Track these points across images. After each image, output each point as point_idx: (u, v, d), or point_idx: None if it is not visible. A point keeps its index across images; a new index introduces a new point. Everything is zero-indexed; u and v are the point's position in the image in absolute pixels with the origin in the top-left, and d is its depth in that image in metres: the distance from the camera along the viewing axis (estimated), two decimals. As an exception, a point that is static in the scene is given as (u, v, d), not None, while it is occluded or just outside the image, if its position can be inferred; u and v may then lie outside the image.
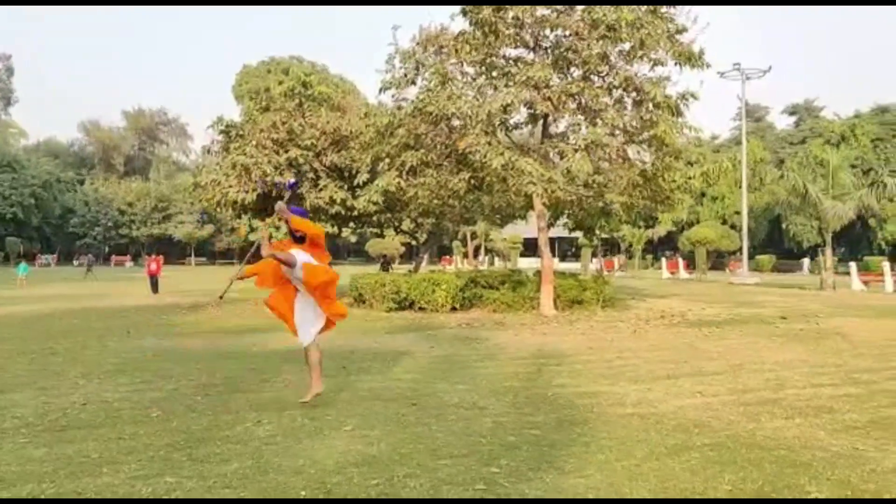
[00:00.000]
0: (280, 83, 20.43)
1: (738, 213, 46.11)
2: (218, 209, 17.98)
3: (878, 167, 42.44)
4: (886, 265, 26.15)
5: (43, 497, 3.89)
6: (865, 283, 26.29)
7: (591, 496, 3.85)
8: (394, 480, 4.11)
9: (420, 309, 15.69)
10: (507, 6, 14.09)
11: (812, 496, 3.86)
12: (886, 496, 3.86)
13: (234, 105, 67.92)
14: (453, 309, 15.63)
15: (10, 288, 27.16)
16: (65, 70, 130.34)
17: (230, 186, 16.27)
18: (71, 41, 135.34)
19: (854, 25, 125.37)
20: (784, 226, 51.11)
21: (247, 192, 16.10)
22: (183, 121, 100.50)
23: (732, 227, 50.39)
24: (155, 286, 23.94)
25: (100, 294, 23.76)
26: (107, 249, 77.14)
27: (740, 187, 38.20)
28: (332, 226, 24.63)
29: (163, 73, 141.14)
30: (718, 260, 50.40)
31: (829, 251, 27.04)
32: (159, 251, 56.61)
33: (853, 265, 28.67)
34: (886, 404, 6.18)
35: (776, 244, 54.36)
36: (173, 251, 77.43)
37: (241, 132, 17.17)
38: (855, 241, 50.56)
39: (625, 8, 13.47)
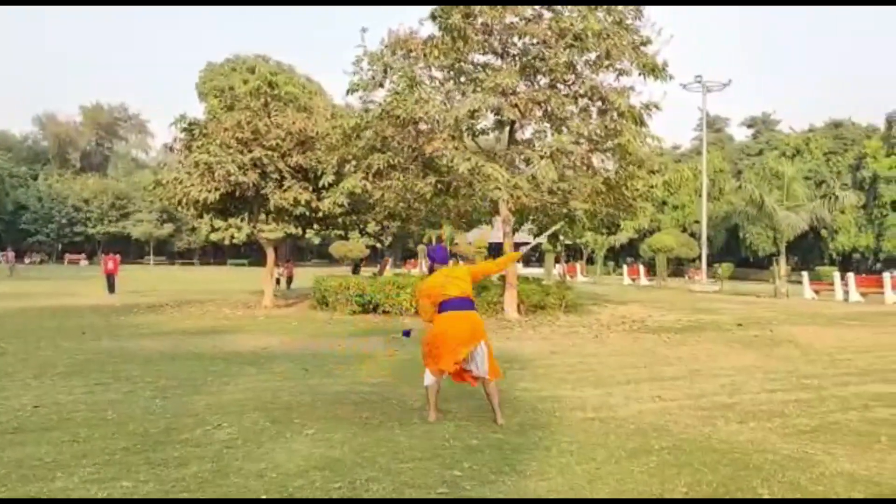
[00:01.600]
0: (245, 82, 20.18)
1: (697, 221, 47.16)
2: (179, 208, 17.64)
3: (831, 180, 43.92)
4: (837, 275, 27.02)
5: (-7, 501, 3.78)
6: (817, 291, 27.10)
7: (552, 499, 3.90)
8: (356, 484, 4.10)
9: (384, 312, 15.66)
10: (476, 13, 14.18)
11: (763, 498, 3.97)
12: (834, 497, 3.99)
13: (198, 102, 66.82)
14: (417, 312, 15.61)
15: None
16: (20, 62, 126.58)
17: (192, 185, 15.98)
18: (26, 32, 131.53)
19: (810, 44, 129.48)
20: (741, 235, 52.40)
21: (209, 191, 15.84)
22: (143, 117, 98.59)
23: (692, 235, 51.52)
24: (112, 286, 23.40)
25: (53, 293, 23.11)
26: (60, 247, 75.04)
27: (700, 196, 39.09)
28: (296, 227, 24.42)
29: (123, 67, 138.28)
30: (678, 267, 51.39)
31: (783, 260, 27.82)
32: (116, 250, 55.28)
33: (805, 274, 29.55)
34: (835, 409, 6.40)
35: (733, 252, 55.69)
36: (131, 250, 75.80)
37: (204, 130, 16.88)
38: (807, 251, 52.11)
39: (591, 17, 13.68)
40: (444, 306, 5.68)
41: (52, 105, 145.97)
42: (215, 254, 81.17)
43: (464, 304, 5.72)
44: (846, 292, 24.68)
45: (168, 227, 75.36)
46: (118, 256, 26.64)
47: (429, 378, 5.74)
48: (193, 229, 74.77)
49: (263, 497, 3.86)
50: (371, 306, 15.86)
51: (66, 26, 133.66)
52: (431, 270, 6.04)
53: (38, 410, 5.88)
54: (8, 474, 4.18)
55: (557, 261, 43.23)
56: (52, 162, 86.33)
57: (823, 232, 45.19)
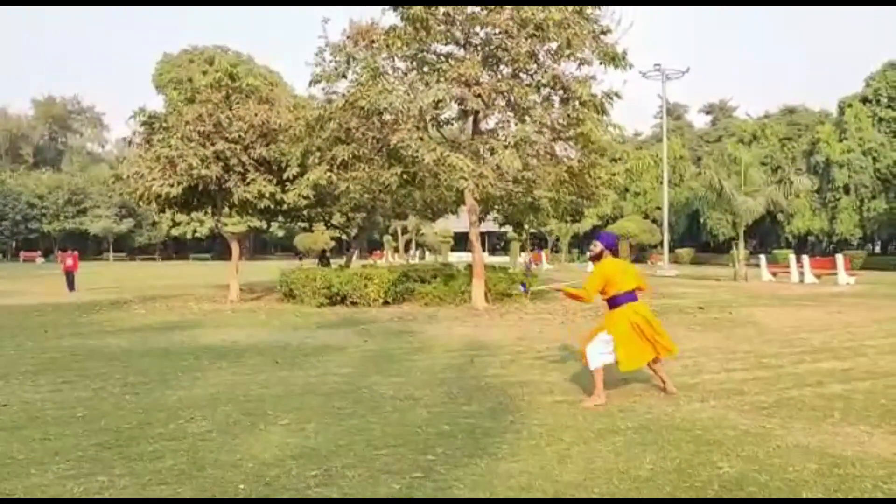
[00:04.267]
0: (204, 73, 19.87)
1: (659, 208, 48.00)
2: (141, 203, 17.35)
3: (786, 165, 45.02)
4: (792, 258, 27.82)
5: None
6: (774, 274, 27.90)
7: (523, 479, 4.04)
8: (332, 471, 4.18)
9: (352, 304, 15.68)
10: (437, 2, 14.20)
11: (724, 472, 4.16)
12: (790, 469, 4.21)
13: (155, 94, 65.43)
14: (385, 303, 15.69)
15: None
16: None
17: (154, 179, 15.73)
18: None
19: (765, 30, 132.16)
20: (702, 220, 53.51)
21: (172, 185, 15.61)
22: (98, 110, 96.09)
23: (654, 221, 52.50)
24: (71, 283, 22.92)
25: (10, 292, 22.53)
26: (15, 245, 72.91)
27: (661, 183, 39.79)
28: (261, 220, 24.16)
29: (76, 59, 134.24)
30: (641, 253, 52.34)
31: (741, 244, 28.54)
32: (74, 246, 53.99)
33: (763, 258, 30.38)
34: (791, 386, 6.68)
35: (694, 237, 56.89)
36: (89, 246, 74.10)
37: (165, 124, 16.60)
38: (765, 235, 53.49)
39: (552, 8, 13.82)
40: (620, 300, 6.06)
41: (2, 99, 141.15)
42: (177, 249, 79.81)
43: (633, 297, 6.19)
44: (801, 274, 25.48)
45: (127, 223, 73.88)
46: (76, 253, 26.06)
47: (598, 361, 5.98)
48: (154, 224, 73.42)
49: (241, 487, 3.91)
50: (339, 298, 15.86)
51: (14, 17, 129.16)
52: (599, 257, 6.15)
53: (6, 409, 5.81)
54: (-20, 473, 4.15)
55: (523, 249, 43.64)
56: (3, 157, 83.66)
57: (780, 216, 46.39)
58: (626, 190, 55.46)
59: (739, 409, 5.76)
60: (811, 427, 5.17)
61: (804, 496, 3.79)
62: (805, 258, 26.72)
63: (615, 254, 6.25)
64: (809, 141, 50.50)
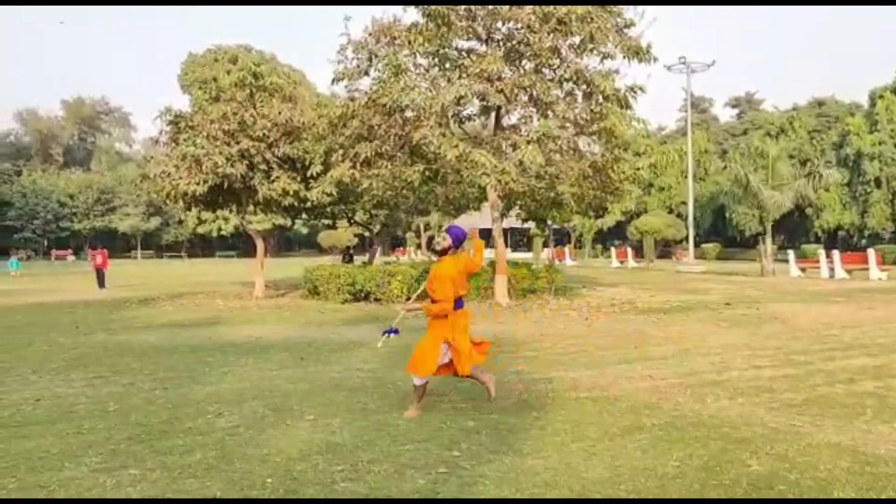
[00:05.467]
0: (228, 72, 20.00)
1: (684, 202, 47.45)
2: (168, 201, 17.60)
3: (815, 158, 44.20)
4: (822, 253, 27.35)
5: (4, 492, 3.85)
6: (802, 269, 27.43)
7: (548, 476, 4.03)
8: (358, 466, 4.21)
9: (376, 300, 15.75)
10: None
11: (753, 470, 4.11)
12: (821, 468, 4.14)
13: (181, 94, 66.23)
14: (408, 299, 15.71)
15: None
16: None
17: (180, 178, 15.95)
18: (4, 26, 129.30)
19: (793, 21, 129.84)
20: (727, 215, 52.75)
21: (198, 183, 15.81)
22: (126, 110, 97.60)
23: (679, 216, 51.86)
24: (102, 280, 23.33)
25: (44, 290, 23.00)
26: (46, 243, 74.38)
27: (686, 178, 39.34)
28: (285, 217, 24.38)
29: (104, 60, 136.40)
30: (665, 249, 51.77)
31: (769, 239, 28.10)
32: (103, 244, 54.92)
33: (791, 253, 29.88)
34: (821, 383, 6.57)
35: (720, 233, 56.12)
36: (118, 244, 75.30)
37: (190, 123, 16.81)
38: (793, 230, 52.60)
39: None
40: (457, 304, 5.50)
41: (32, 100, 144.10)
42: (203, 246, 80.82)
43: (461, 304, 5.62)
44: (831, 269, 25.02)
45: (155, 221, 74.95)
46: (106, 251, 26.51)
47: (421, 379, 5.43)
48: (180, 222, 74.40)
49: (269, 481, 3.96)
50: (362, 294, 15.95)
51: (44, 21, 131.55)
52: (445, 252, 5.53)
53: (40, 404, 5.95)
54: (17, 465, 4.26)
55: (545, 245, 43.47)
56: (35, 157, 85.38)
57: (808, 210, 45.60)
58: (651, 185, 54.86)
59: (768, 406, 5.68)
60: (843, 425, 5.09)
61: (836, 495, 3.73)
62: (835, 253, 26.24)
63: (458, 249, 5.65)
64: (839, 133, 49.51)
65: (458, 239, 5.62)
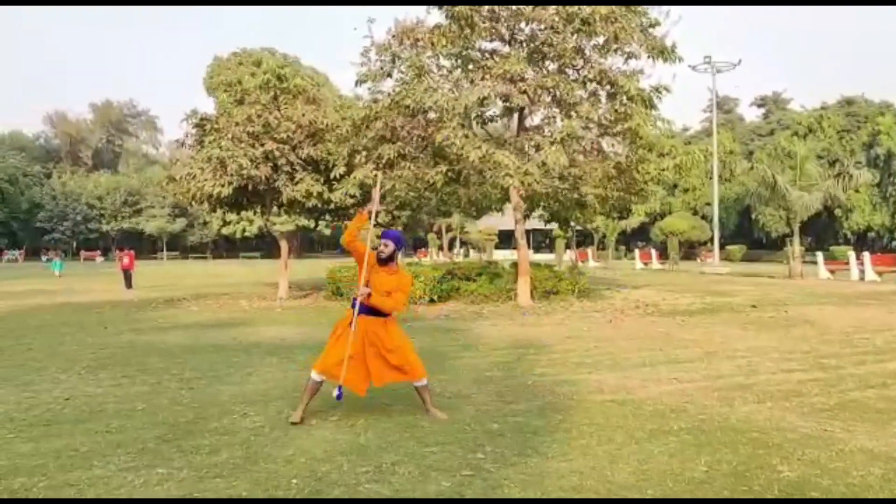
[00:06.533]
0: (252, 75, 20.21)
1: (708, 204, 46.91)
2: (193, 203, 17.80)
3: (844, 158, 43.40)
4: (851, 254, 26.85)
5: (35, 490, 3.91)
6: (832, 271, 26.96)
7: (574, 479, 3.99)
8: (383, 468, 4.21)
9: (398, 301, 15.75)
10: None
11: (784, 476, 4.04)
12: (854, 474, 4.05)
13: (206, 97, 66.98)
14: (431, 301, 15.73)
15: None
16: (29, 61, 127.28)
17: (206, 180, 16.12)
18: (34, 31, 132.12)
19: (821, 20, 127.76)
20: (754, 216, 52.07)
21: (223, 185, 15.97)
22: (153, 113, 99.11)
23: (703, 217, 51.25)
24: (129, 281, 23.67)
25: (72, 290, 23.41)
26: (75, 245, 75.75)
27: (711, 179, 38.86)
28: (308, 219, 24.53)
29: (131, 64, 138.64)
30: (690, 250, 51.20)
31: (797, 241, 27.65)
32: (130, 246, 55.78)
33: (820, 254, 29.37)
34: (852, 388, 6.44)
35: (746, 234, 55.39)
36: (144, 245, 76.43)
37: (215, 125, 16.99)
38: (822, 231, 51.71)
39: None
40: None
41: (62, 104, 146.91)
42: (227, 247, 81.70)
43: None
44: (862, 271, 24.56)
45: (180, 222, 75.95)
46: (132, 252, 26.92)
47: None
48: (205, 223, 75.30)
49: (294, 482, 3.97)
50: (385, 296, 15.96)
51: (71, 25, 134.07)
52: (390, 260, 5.35)
53: (70, 403, 6.03)
54: (46, 464, 4.32)
55: (568, 246, 43.23)
56: (64, 160, 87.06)
57: (837, 211, 44.84)
58: (675, 186, 54.32)
59: (798, 411, 5.58)
60: (876, 430, 4.98)
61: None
62: (865, 255, 25.74)
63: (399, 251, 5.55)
64: (869, 133, 48.61)
65: (400, 241, 5.49)
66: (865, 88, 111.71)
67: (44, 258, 64.23)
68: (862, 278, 24.19)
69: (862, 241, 49.21)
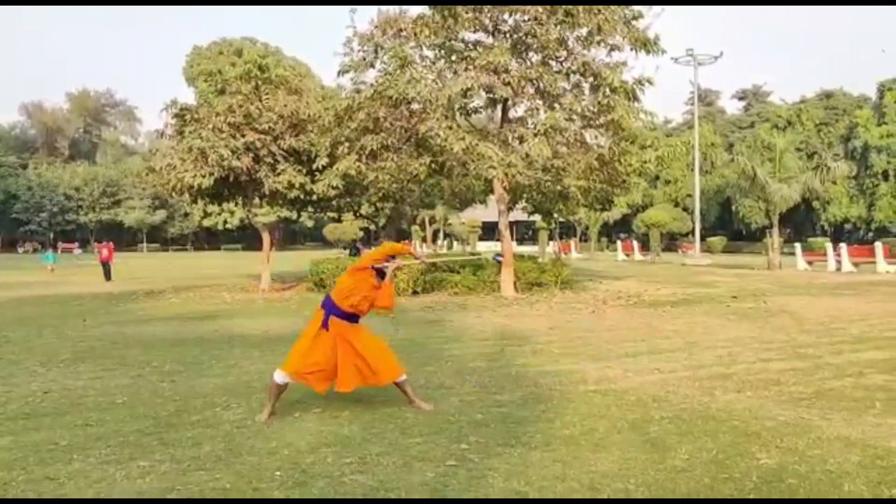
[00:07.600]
0: (233, 65, 20.03)
1: (690, 195, 47.28)
2: (173, 194, 17.61)
3: (822, 151, 44.03)
4: (829, 246, 27.24)
5: (14, 483, 3.86)
6: (809, 263, 27.32)
7: (558, 468, 4.02)
8: (367, 459, 4.20)
9: (381, 293, 15.72)
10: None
11: (763, 463, 4.09)
12: (831, 461, 4.12)
13: (186, 87, 66.23)
14: (415, 293, 15.72)
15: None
16: (4, 50, 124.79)
17: (186, 171, 15.94)
18: (9, 19, 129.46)
19: (801, 15, 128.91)
20: (734, 208, 52.61)
21: (203, 176, 15.81)
22: (131, 103, 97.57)
23: (685, 209, 51.69)
24: (108, 273, 23.42)
25: (51, 282, 23.09)
26: (52, 236, 74.63)
27: (692, 171, 39.18)
28: (290, 210, 24.38)
29: (109, 53, 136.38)
30: (671, 242, 51.66)
31: (776, 232, 27.99)
32: (109, 237, 55.08)
33: (798, 246, 29.76)
34: (830, 377, 6.54)
35: (726, 226, 55.94)
36: (123, 237, 75.45)
37: (196, 115, 16.80)
38: (800, 223, 52.40)
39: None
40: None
41: (38, 94, 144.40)
42: (208, 239, 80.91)
43: None
44: (839, 262, 24.92)
45: (160, 214, 75.02)
46: (111, 244, 26.62)
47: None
48: (186, 215, 74.50)
49: (278, 474, 3.95)
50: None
51: (48, 13, 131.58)
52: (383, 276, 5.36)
53: (49, 396, 5.96)
54: (25, 457, 4.27)
55: (551, 238, 43.41)
56: (40, 150, 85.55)
57: (815, 203, 45.40)
58: (657, 178, 54.68)
59: (777, 399, 5.66)
60: (852, 418, 5.06)
61: (846, 488, 3.71)
62: (843, 246, 26.12)
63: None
64: (847, 126, 49.27)
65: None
66: (844, 82, 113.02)
67: (20, 249, 63.26)
68: (839, 269, 24.55)
69: (839, 233, 49.97)
